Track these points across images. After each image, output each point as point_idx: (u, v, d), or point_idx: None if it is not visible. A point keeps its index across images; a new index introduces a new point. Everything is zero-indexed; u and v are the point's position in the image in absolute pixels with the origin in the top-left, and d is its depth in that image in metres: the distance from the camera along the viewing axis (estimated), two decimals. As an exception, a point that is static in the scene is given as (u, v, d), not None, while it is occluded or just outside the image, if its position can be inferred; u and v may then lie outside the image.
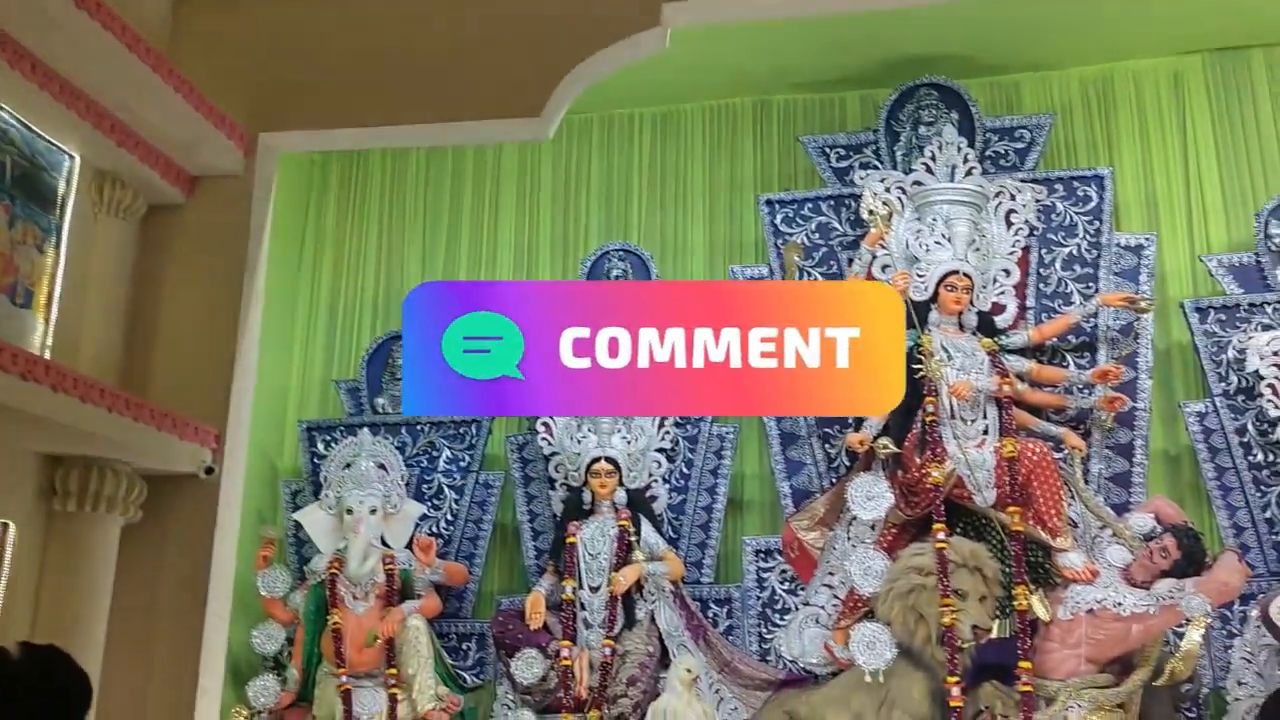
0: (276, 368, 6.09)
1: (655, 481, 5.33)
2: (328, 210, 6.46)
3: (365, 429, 5.44)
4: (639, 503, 5.13)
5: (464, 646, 5.38)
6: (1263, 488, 5.06)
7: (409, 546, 5.16)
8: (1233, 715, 4.53)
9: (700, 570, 5.33)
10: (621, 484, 5.08)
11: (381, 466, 5.31)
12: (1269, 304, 5.24)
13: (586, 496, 5.09)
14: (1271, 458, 5.05)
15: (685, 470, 5.44)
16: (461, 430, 5.63)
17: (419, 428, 5.64)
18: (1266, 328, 5.18)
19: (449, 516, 5.52)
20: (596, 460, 5.05)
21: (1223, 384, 5.20)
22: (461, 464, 5.59)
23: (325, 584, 5.00)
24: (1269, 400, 4.99)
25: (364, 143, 5.62)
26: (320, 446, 5.60)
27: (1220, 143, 5.90)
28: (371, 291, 6.32)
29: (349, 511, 5.11)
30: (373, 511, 5.12)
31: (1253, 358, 5.04)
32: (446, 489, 5.56)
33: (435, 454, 5.60)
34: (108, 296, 4.69)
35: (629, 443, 5.15)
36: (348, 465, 5.28)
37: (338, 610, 4.94)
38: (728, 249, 6.07)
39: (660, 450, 5.35)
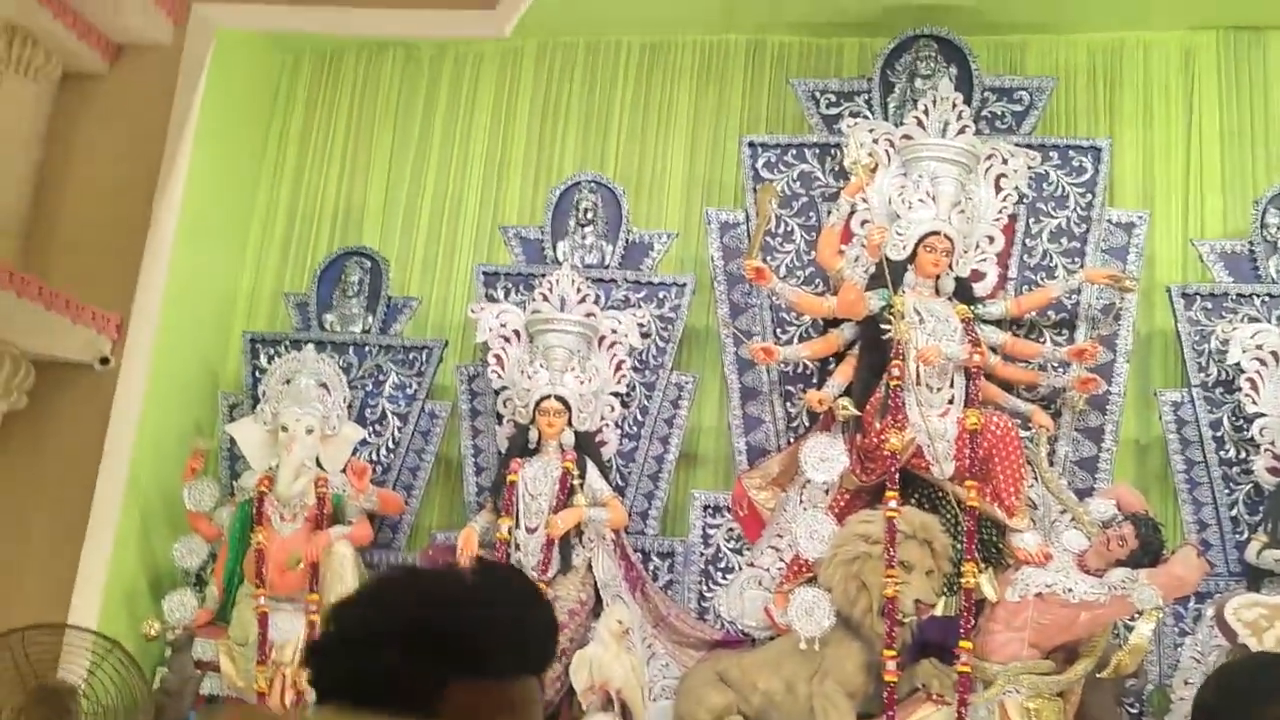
0: (227, 274, 5.86)
1: (607, 426, 5.15)
2: (294, 114, 6.17)
3: (310, 345, 5.22)
4: (587, 446, 4.95)
5: (395, 578, 5.19)
6: (1231, 485, 4.90)
7: (344, 471, 4.96)
8: (1175, 715, 4.40)
9: (645, 521, 5.18)
10: (571, 425, 4.89)
11: (323, 386, 5.10)
12: (1258, 296, 5.05)
13: (533, 435, 4.90)
14: (1243, 455, 4.89)
15: (639, 417, 5.26)
16: (411, 355, 5.42)
17: (367, 349, 5.43)
18: (1253, 320, 5.00)
19: (390, 444, 5.33)
20: (546, 398, 4.86)
21: (1202, 374, 5.02)
22: (408, 391, 5.38)
23: (253, 502, 4.81)
24: (1247, 395, 4.81)
25: (306, 23, 5.33)
26: (263, 360, 5.38)
27: (1225, 125, 5.67)
28: (333, 202, 6.06)
29: (284, 429, 4.90)
30: (309, 431, 4.92)
31: (1235, 350, 4.86)
32: (390, 415, 5.36)
33: (382, 378, 5.39)
34: (10, 162, 4.36)
35: (582, 383, 4.95)
36: (288, 381, 5.06)
37: (263, 529, 4.75)
38: (706, 190, 5.84)
39: (615, 394, 5.16)
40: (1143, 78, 5.75)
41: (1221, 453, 4.92)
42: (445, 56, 6.17)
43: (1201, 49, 5.73)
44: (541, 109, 6.09)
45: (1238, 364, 4.84)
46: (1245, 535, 4.77)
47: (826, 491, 4.67)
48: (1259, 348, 4.83)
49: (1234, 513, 4.87)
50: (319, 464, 4.97)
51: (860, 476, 4.59)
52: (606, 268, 5.44)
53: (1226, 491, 4.89)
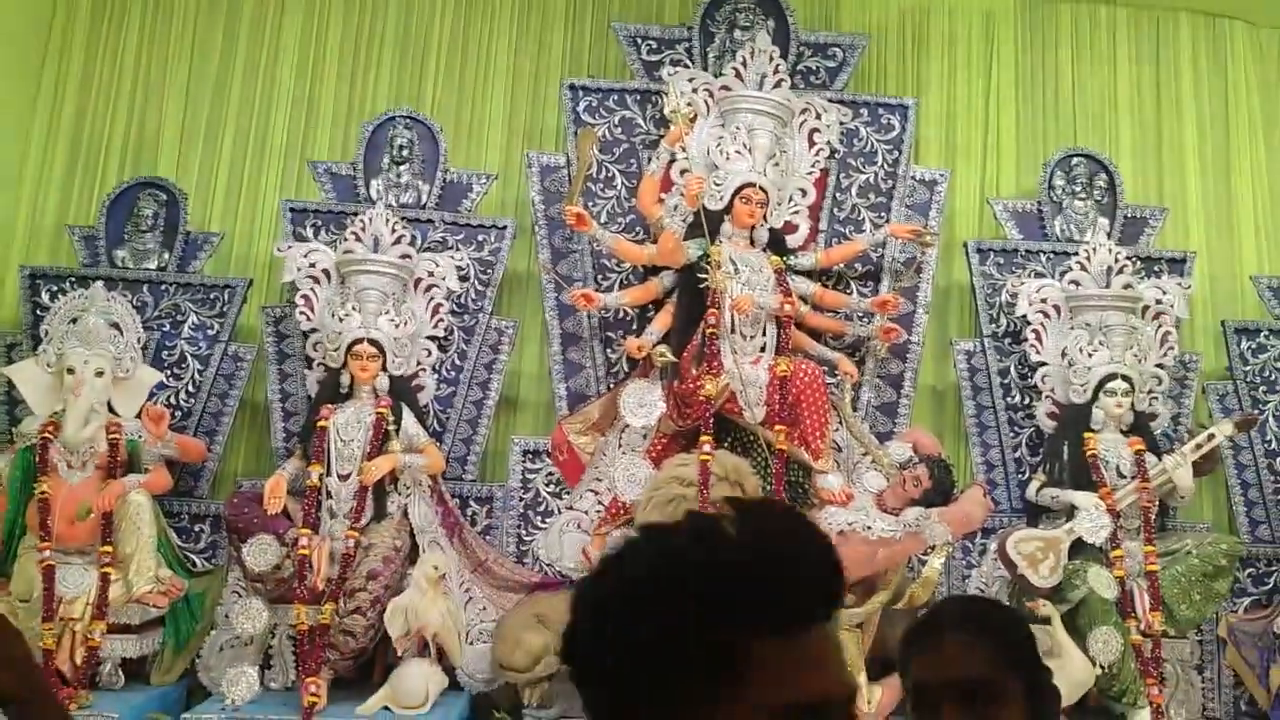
0: (2, 205, 5.41)
1: (423, 370, 5.07)
2: (74, 36, 5.72)
3: (99, 282, 4.90)
4: (402, 391, 4.87)
5: (196, 528, 5.00)
6: (1016, 428, 5.29)
7: (140, 416, 4.71)
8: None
9: (464, 467, 5.16)
10: (385, 369, 4.78)
11: (115, 326, 4.79)
12: (1044, 252, 5.43)
13: (345, 379, 4.77)
14: (1027, 401, 5.28)
15: (458, 362, 5.22)
16: (213, 295, 5.17)
17: (164, 288, 5.14)
18: (1038, 275, 5.38)
19: (191, 388, 5.09)
20: (359, 341, 4.73)
21: (993, 326, 5.38)
22: (209, 332, 5.14)
23: (35, 449, 4.50)
24: (1031, 345, 5.19)
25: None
26: (44, 297, 5.01)
27: (1020, 89, 6.06)
28: (122, 132, 5.68)
29: (70, 371, 4.60)
30: (99, 374, 4.63)
31: (1022, 303, 5.22)
32: (190, 358, 5.11)
33: (180, 318, 5.13)
34: None
35: (397, 326, 4.85)
36: (74, 320, 4.73)
37: (48, 478, 4.46)
38: (526, 132, 5.80)
39: (432, 338, 5.09)
40: (948, 39, 6.06)
41: (1008, 399, 5.30)
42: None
43: (1001, 15, 6.09)
44: (354, 43, 5.89)
45: (1024, 316, 5.21)
46: (1026, 475, 5.17)
47: (644, 436, 4.76)
48: (1043, 301, 5.20)
49: (1017, 455, 5.26)
50: (111, 409, 4.69)
51: (677, 421, 4.69)
52: (423, 208, 5.33)
53: (1011, 435, 5.28)
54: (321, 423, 4.67)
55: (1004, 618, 1.93)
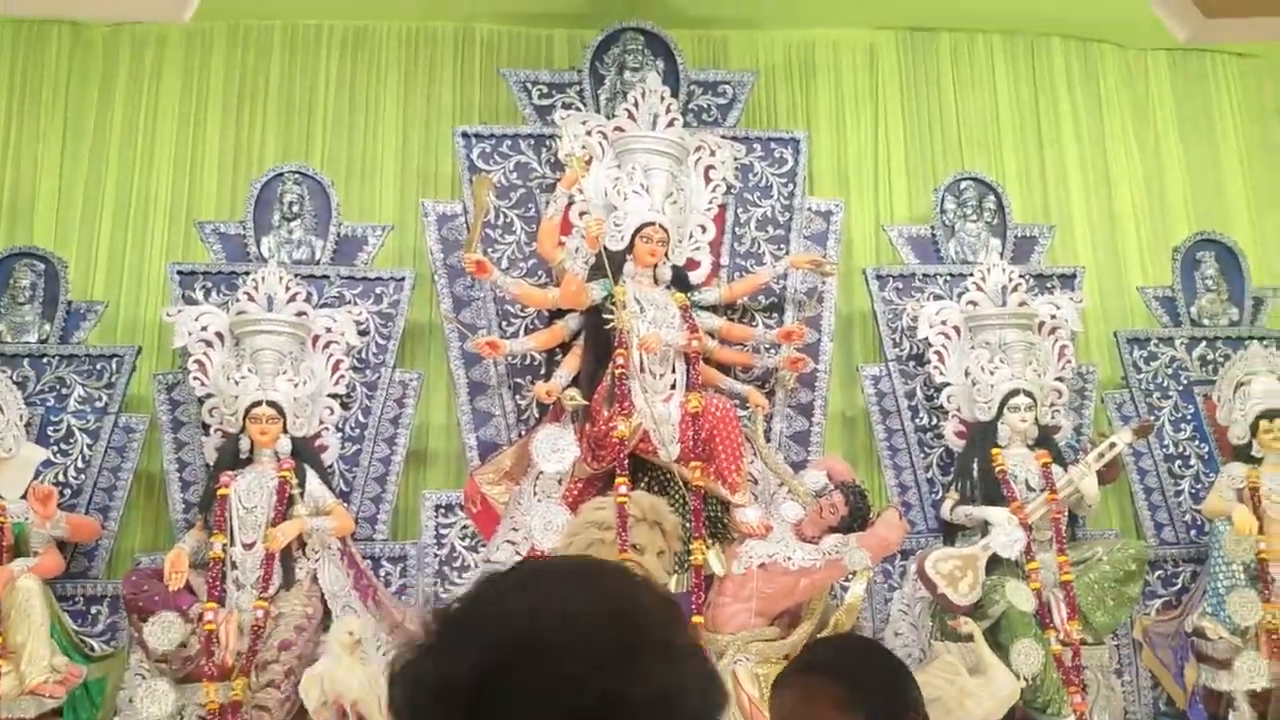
0: None
1: (326, 430, 5.04)
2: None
3: (-25, 359, 4.76)
4: (305, 452, 4.82)
5: (93, 610, 4.84)
6: (925, 449, 5.45)
7: (25, 497, 4.56)
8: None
9: (374, 526, 5.11)
10: (286, 431, 4.73)
11: (-7, 403, 4.66)
12: (940, 275, 5.63)
13: (244, 444, 4.71)
14: (935, 421, 5.44)
15: (362, 418, 5.18)
16: (99, 365, 5.05)
17: (46, 361, 5.01)
18: (937, 298, 5.56)
19: (80, 464, 4.95)
20: (257, 404, 4.68)
21: (897, 349, 5.54)
22: (97, 404, 5.02)
23: (-87, 538, 4.33)
24: (935, 367, 5.36)
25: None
26: (-84, 376, 4.84)
27: (907, 118, 6.29)
28: (-7, 199, 5.56)
29: (-52, 454, 4.45)
30: (-21, 455, 4.49)
31: (923, 325, 5.39)
32: (78, 432, 4.98)
33: (65, 392, 5.00)
34: None
35: (297, 386, 4.81)
36: (-51, 400, 4.59)
37: (-73, 568, 4.29)
38: (421, 181, 5.85)
39: (334, 396, 5.06)
40: (834, 72, 6.29)
41: (916, 420, 5.46)
42: (121, 38, 5.79)
43: (883, 47, 6.33)
44: (237, 96, 5.87)
45: (926, 339, 5.38)
46: (939, 494, 5.31)
47: (559, 482, 4.78)
48: (943, 323, 5.39)
49: (929, 475, 5.41)
50: (-6, 491, 4.54)
51: (591, 464, 4.72)
52: (317, 263, 5.32)
53: (922, 456, 5.43)
54: (222, 490, 4.59)
55: (863, 657, 1.95)
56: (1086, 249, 6.19)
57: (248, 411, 4.68)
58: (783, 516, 4.73)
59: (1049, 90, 6.41)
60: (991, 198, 5.81)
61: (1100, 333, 5.98)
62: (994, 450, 5.02)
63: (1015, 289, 5.36)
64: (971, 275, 5.43)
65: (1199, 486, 5.48)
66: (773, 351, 5.31)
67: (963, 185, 5.82)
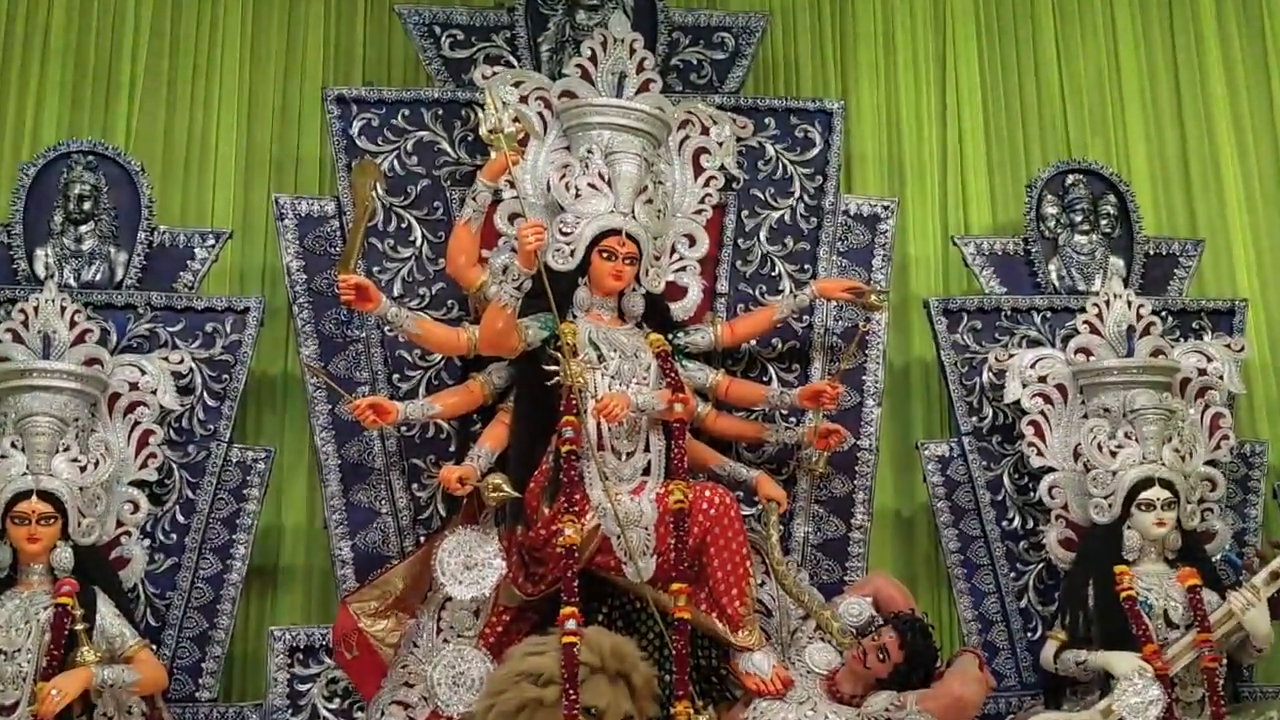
0: None
1: (127, 535, 5.00)
2: None
3: None
4: (95, 568, 4.76)
5: None
6: (1018, 566, 5.45)
7: None
8: None
9: (198, 680, 5.10)
10: (66, 537, 4.68)
11: None
12: (1037, 310, 5.67)
13: (4, 555, 4.66)
14: (1030, 524, 5.45)
15: (182, 518, 5.17)
16: None
17: None
18: (1033, 343, 5.60)
19: None
20: (22, 496, 4.63)
21: (974, 419, 5.56)
22: None
23: None
24: (1030, 444, 5.37)
25: None
26: None
27: (989, 84, 6.41)
28: None
29: None
30: None
31: (1013, 384, 5.41)
32: None
33: None
34: None
35: (83, 469, 4.78)
36: None
37: None
38: (274, 167, 5.93)
39: (139, 484, 5.03)
40: (881, 18, 6.38)
41: (1004, 523, 5.46)
42: None
43: (956, -12, 6.41)
44: (1, 49, 5.93)
45: (1017, 403, 5.39)
46: (1039, 633, 5.29)
47: (476, 613, 4.74)
48: (1042, 380, 5.41)
49: (1023, 603, 5.40)
50: None
51: (524, 588, 4.67)
52: (119, 286, 5.30)
53: (1012, 575, 5.43)
54: (-31, 626, 4.53)
55: None
56: (1249, 274, 6.28)
57: (9, 507, 4.63)
58: (809, 665, 4.70)
59: (1192, 49, 6.52)
60: (1111, 199, 5.88)
61: (1271, 394, 6.03)
62: (1118, 568, 5.02)
63: (1147, 331, 5.40)
64: (1083, 310, 5.47)
65: None
66: (793, 420, 5.30)
67: (1069, 181, 5.88)
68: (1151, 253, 5.89)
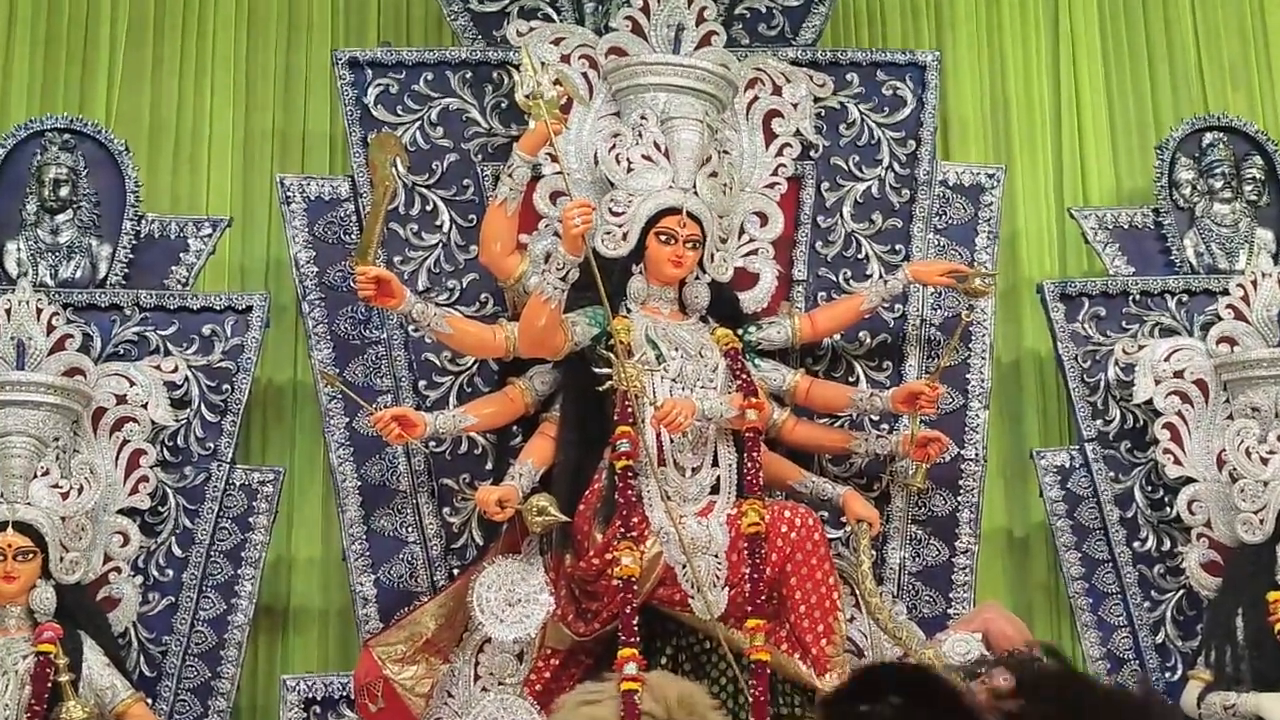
0: None
1: (117, 571, 5.04)
2: None
3: None
4: (80, 611, 4.82)
5: None
6: (1153, 594, 5.40)
7: None
8: None
9: (200, 736, 5.13)
10: (47, 575, 4.73)
11: None
12: (1171, 293, 5.63)
13: (-25, 597, 4.71)
14: (1168, 545, 5.41)
15: (179, 551, 5.20)
16: None
17: None
18: (1167, 332, 5.55)
19: None
20: (-2, 529, 4.69)
21: (1098, 422, 5.51)
22: None
23: None
24: (1166, 451, 5.33)
25: None
26: None
27: (1109, 30, 6.38)
28: None
29: None
30: None
31: (1144, 380, 5.37)
32: None
33: None
34: None
35: (65, 497, 4.82)
36: None
37: None
38: (279, 143, 5.98)
39: (129, 512, 5.07)
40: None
41: (1135, 544, 5.41)
42: None
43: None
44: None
45: (1149, 402, 5.35)
46: (1179, 672, 5.25)
47: (520, 656, 4.75)
48: (1179, 375, 5.37)
49: (1160, 638, 5.35)
50: None
51: (575, 626, 4.68)
52: (103, 284, 5.33)
53: (1148, 606, 5.38)
54: (-65, 680, 4.59)
55: None
56: None
57: (-19, 542, 4.68)
58: (909, 713, 4.67)
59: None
60: (1257, 161, 5.83)
61: None
62: (1273, 595, 4.99)
63: (1302, 316, 5.36)
64: (1226, 293, 5.45)
65: None
66: (886, 428, 5.29)
67: (1207, 141, 5.83)
68: (1308, 223, 5.83)
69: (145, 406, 5.09)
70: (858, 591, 4.96)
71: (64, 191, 5.39)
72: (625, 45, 5.28)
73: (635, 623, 4.52)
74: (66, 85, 5.96)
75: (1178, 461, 5.32)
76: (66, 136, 5.46)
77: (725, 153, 5.21)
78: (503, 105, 5.44)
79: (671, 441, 4.78)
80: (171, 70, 6.02)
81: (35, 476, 4.82)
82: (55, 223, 5.38)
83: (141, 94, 5.98)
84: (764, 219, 5.35)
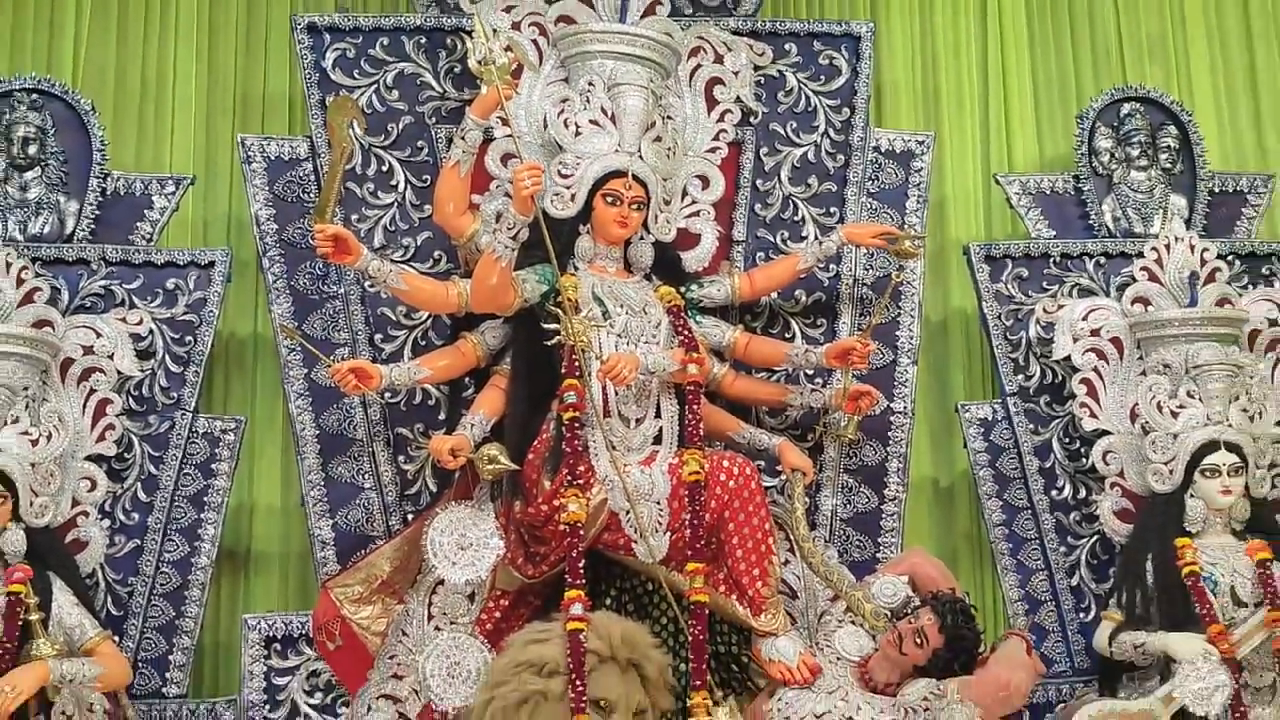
0: None
1: (84, 515, 5.08)
2: None
3: None
4: (49, 553, 4.84)
5: None
6: (1069, 539, 5.54)
7: None
8: None
9: (164, 674, 5.18)
10: (17, 518, 4.76)
11: None
12: (1090, 255, 5.74)
13: (-53, 541, 4.75)
14: (1083, 493, 5.54)
15: (144, 496, 5.24)
16: None
17: None
18: (1085, 293, 5.67)
19: None
20: (-36, 474, 4.72)
21: (1019, 377, 5.62)
22: None
23: None
24: (1083, 405, 5.44)
25: None
26: None
27: (1035, 3, 6.46)
28: None
29: None
30: None
31: (1063, 338, 5.49)
32: None
33: None
34: None
35: (34, 443, 4.87)
36: None
37: None
38: (239, 105, 5.98)
39: (96, 459, 5.11)
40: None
41: (1053, 493, 5.54)
42: None
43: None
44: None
45: (1067, 359, 5.47)
46: (1092, 613, 5.39)
47: (471, 598, 4.81)
48: (1095, 333, 5.48)
49: (1075, 581, 5.48)
50: None
51: (524, 569, 4.75)
52: (70, 239, 5.37)
53: (1063, 551, 5.51)
54: (-87, 617, 4.61)
55: None
56: (1325, 211, 6.29)
57: (-49, 487, 4.72)
58: (839, 651, 4.77)
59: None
60: (1172, 130, 5.93)
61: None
62: (1180, 541, 5.07)
63: (1212, 277, 5.45)
64: (1141, 255, 5.52)
65: None
66: (820, 382, 5.39)
67: (1125, 111, 5.93)
68: (1217, 190, 5.96)
69: (111, 357, 5.13)
70: (792, 537, 5.05)
71: (32, 149, 5.41)
72: (574, 13, 5.32)
73: (581, 566, 4.56)
74: (34, 47, 5.96)
75: (1093, 415, 5.43)
76: (35, 96, 5.48)
77: (669, 118, 5.26)
78: (456, 70, 5.48)
79: (616, 394, 4.82)
80: (136, 33, 6.02)
81: (5, 424, 4.84)
82: (24, 179, 5.41)
83: (107, 55, 5.98)
84: (706, 182, 5.41)
